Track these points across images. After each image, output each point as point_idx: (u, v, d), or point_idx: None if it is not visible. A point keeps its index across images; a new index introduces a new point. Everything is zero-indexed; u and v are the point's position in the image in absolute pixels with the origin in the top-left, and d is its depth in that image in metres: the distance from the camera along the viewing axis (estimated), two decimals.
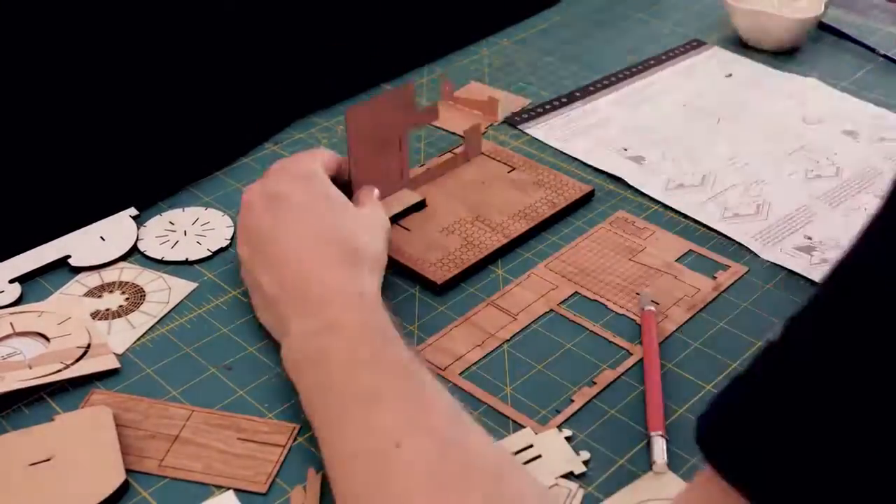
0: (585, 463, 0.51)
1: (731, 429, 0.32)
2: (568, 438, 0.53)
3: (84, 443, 0.52)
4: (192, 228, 0.70)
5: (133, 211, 0.70)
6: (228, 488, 0.51)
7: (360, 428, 0.46)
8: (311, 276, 0.54)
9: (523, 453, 0.52)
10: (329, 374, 0.49)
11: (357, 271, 0.55)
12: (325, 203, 0.59)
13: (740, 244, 0.68)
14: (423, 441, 0.44)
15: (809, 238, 0.68)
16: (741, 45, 0.94)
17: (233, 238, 0.68)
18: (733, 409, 0.32)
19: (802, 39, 0.93)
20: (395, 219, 0.69)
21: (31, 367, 0.57)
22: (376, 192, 0.64)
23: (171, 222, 0.70)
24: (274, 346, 0.59)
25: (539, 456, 0.52)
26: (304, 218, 0.58)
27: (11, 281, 0.64)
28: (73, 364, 0.57)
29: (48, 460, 0.51)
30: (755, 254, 0.67)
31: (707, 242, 0.68)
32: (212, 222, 0.70)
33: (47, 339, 0.60)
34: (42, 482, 0.50)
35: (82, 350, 0.59)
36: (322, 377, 0.50)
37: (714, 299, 0.63)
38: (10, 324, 0.60)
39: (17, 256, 0.65)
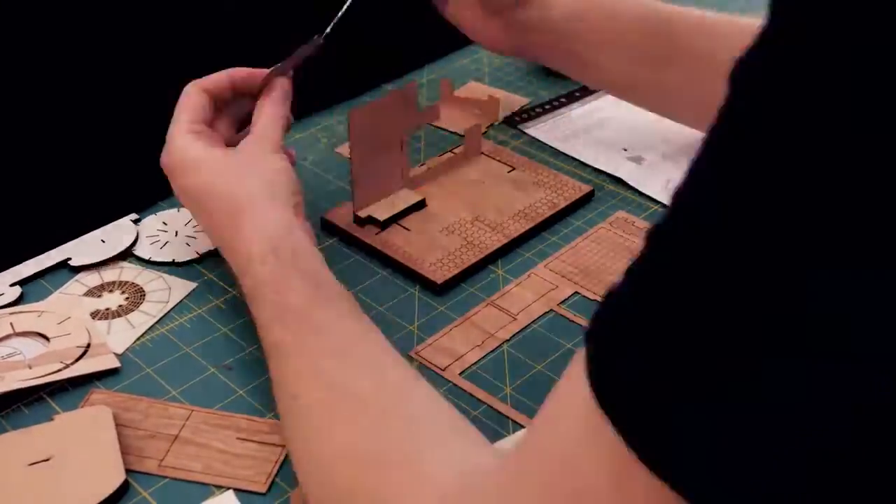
0: None
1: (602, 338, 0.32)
2: None
3: (84, 443, 0.52)
4: (183, 229, 0.70)
5: (134, 215, 0.70)
6: (228, 488, 0.51)
7: (273, 374, 0.50)
8: (215, 241, 0.60)
9: None
10: (254, 319, 0.54)
11: (240, 230, 0.56)
12: (190, 178, 0.60)
13: None
14: (311, 389, 0.47)
15: None
16: (553, 73, 0.90)
17: None
18: (605, 321, 0.32)
19: None
20: (395, 219, 0.69)
21: (30, 367, 0.57)
22: (266, 123, 0.64)
23: (164, 222, 0.70)
24: None
25: None
26: (188, 203, 0.61)
27: (12, 284, 0.64)
28: (72, 364, 0.57)
29: (47, 460, 0.51)
30: None
31: None
32: None
33: (47, 338, 0.60)
34: (41, 482, 0.50)
35: (82, 350, 0.59)
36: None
37: None
38: (10, 324, 0.60)
39: (19, 265, 0.66)
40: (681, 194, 0.30)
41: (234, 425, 0.54)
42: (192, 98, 0.64)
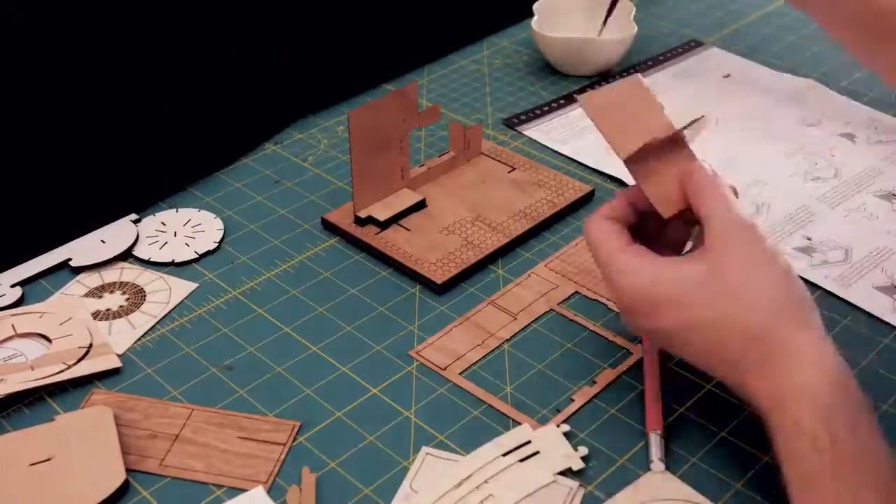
0: (584, 459, 0.51)
1: None
2: (566, 434, 0.53)
3: (84, 443, 0.52)
4: (182, 230, 0.70)
5: (134, 216, 0.70)
6: (231, 487, 0.51)
7: None
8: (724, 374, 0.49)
9: (521, 449, 0.52)
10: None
11: (768, 376, 0.46)
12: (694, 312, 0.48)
13: None
14: None
15: (809, 239, 0.68)
16: (553, 73, 0.90)
17: (222, 240, 0.69)
18: None
19: (616, 62, 0.89)
20: (396, 219, 0.69)
21: (33, 369, 0.57)
22: (716, 202, 0.50)
23: (163, 223, 0.70)
24: (273, 345, 0.60)
25: (537, 452, 0.52)
26: (670, 343, 0.51)
27: (13, 285, 0.64)
28: (74, 364, 0.57)
29: (48, 460, 0.51)
30: None
31: None
32: (203, 224, 0.70)
33: (49, 339, 0.60)
34: (42, 482, 0.50)
35: (84, 350, 0.59)
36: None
37: None
38: (12, 325, 0.61)
39: (20, 266, 0.66)
40: None
41: (234, 424, 0.54)
42: (604, 226, 0.52)
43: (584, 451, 0.52)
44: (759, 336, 0.46)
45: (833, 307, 0.62)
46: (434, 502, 0.49)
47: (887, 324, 0.61)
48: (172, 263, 0.66)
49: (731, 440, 0.53)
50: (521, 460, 0.51)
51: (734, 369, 0.47)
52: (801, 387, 0.44)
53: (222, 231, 0.69)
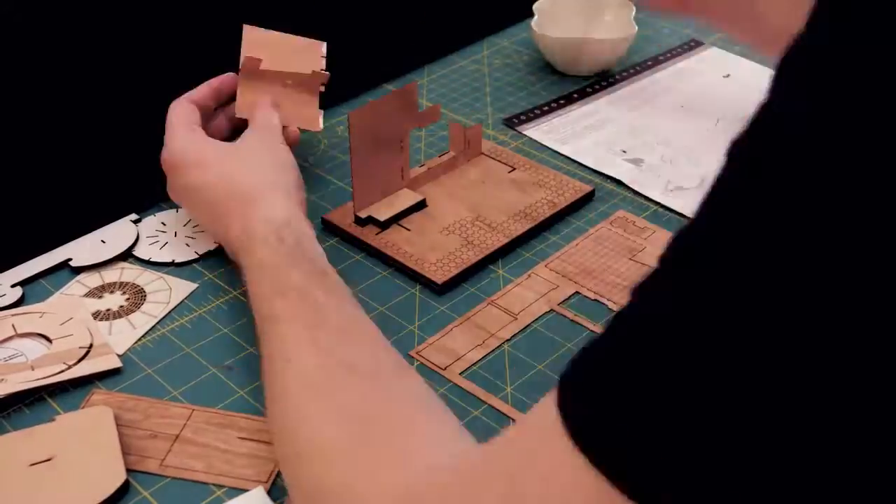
0: None
1: (579, 391, 0.33)
2: None
3: (85, 443, 0.52)
4: (182, 230, 0.70)
5: (134, 216, 0.70)
6: (232, 487, 0.51)
7: (266, 344, 0.51)
8: (216, 230, 0.62)
9: None
10: (250, 296, 0.55)
11: (247, 218, 0.57)
12: (187, 176, 0.63)
13: None
14: (307, 355, 0.48)
15: None
16: (553, 73, 0.90)
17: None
18: (586, 373, 0.33)
19: (616, 62, 0.89)
20: (396, 219, 0.69)
21: (33, 369, 0.57)
22: (265, 113, 0.67)
23: (163, 223, 0.70)
24: None
25: None
26: (191, 196, 0.64)
27: (13, 285, 0.64)
28: (75, 364, 0.57)
29: (49, 460, 0.51)
30: None
31: None
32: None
33: (49, 340, 0.60)
34: (43, 482, 0.50)
35: (84, 350, 0.59)
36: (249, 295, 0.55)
37: None
38: (13, 325, 0.60)
39: (20, 266, 0.66)
40: (665, 259, 0.32)
41: (234, 424, 0.54)
42: (182, 107, 0.67)
43: None
44: (244, 192, 0.59)
45: None
46: None
47: None
48: (173, 264, 0.66)
49: None
50: None
51: (221, 223, 0.59)
52: (263, 217, 0.56)
53: None
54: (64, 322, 0.61)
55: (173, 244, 0.68)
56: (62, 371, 0.57)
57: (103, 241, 0.68)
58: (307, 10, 0.83)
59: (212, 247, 0.68)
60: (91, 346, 0.59)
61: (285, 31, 0.75)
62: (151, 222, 0.70)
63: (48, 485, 0.50)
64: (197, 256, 0.67)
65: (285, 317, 0.51)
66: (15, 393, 0.55)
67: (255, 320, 0.54)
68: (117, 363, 0.58)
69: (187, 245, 0.68)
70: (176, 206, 0.72)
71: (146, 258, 0.67)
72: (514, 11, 0.98)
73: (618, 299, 0.63)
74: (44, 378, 0.56)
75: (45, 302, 0.63)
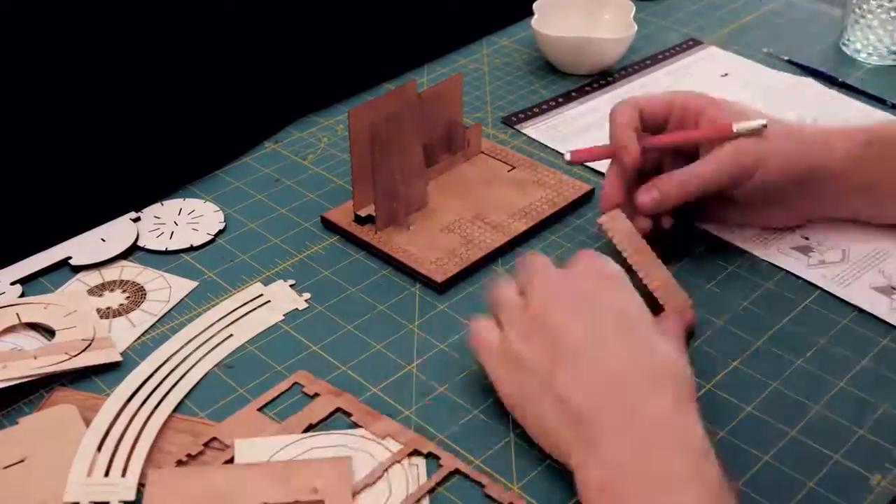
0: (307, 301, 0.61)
1: None
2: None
3: (54, 442, 0.52)
4: (180, 218, 0.70)
5: (134, 214, 0.71)
6: None
7: None
8: (637, 401, 0.48)
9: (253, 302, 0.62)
10: None
11: (691, 411, 0.48)
12: (641, 315, 0.52)
13: (736, 246, 0.68)
14: None
15: (807, 238, 0.68)
16: (553, 72, 0.90)
17: (219, 232, 0.69)
18: None
19: (616, 61, 0.89)
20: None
21: (35, 358, 0.57)
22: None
23: (156, 216, 0.71)
24: (273, 344, 0.60)
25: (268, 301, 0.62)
26: (624, 330, 0.51)
27: (13, 283, 0.64)
28: (76, 356, 0.58)
29: (22, 461, 0.51)
30: (752, 254, 0.67)
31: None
32: (197, 210, 0.71)
33: (51, 332, 0.60)
34: (20, 483, 0.50)
35: (87, 343, 0.59)
36: None
37: (713, 299, 0.63)
38: (17, 314, 0.61)
39: (19, 263, 0.66)
40: None
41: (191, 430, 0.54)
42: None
43: (307, 294, 0.62)
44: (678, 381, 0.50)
45: (831, 307, 0.62)
46: None
47: (886, 323, 0.61)
48: (191, 248, 0.68)
49: (729, 439, 0.53)
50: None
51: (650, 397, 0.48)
52: (692, 435, 0.47)
53: (220, 213, 0.71)
54: (68, 314, 0.61)
55: (179, 232, 0.68)
56: (63, 361, 0.57)
57: (103, 240, 0.68)
58: (307, 9, 0.83)
59: (220, 227, 0.69)
60: (93, 339, 0.59)
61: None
62: (147, 219, 0.71)
63: (25, 485, 0.50)
64: (211, 237, 0.68)
65: None
66: (17, 385, 0.55)
67: None
68: (117, 357, 0.58)
69: (195, 230, 0.69)
70: (161, 199, 0.72)
71: (161, 249, 0.67)
72: (514, 10, 0.98)
73: None
74: (45, 367, 0.56)
75: (50, 294, 0.63)
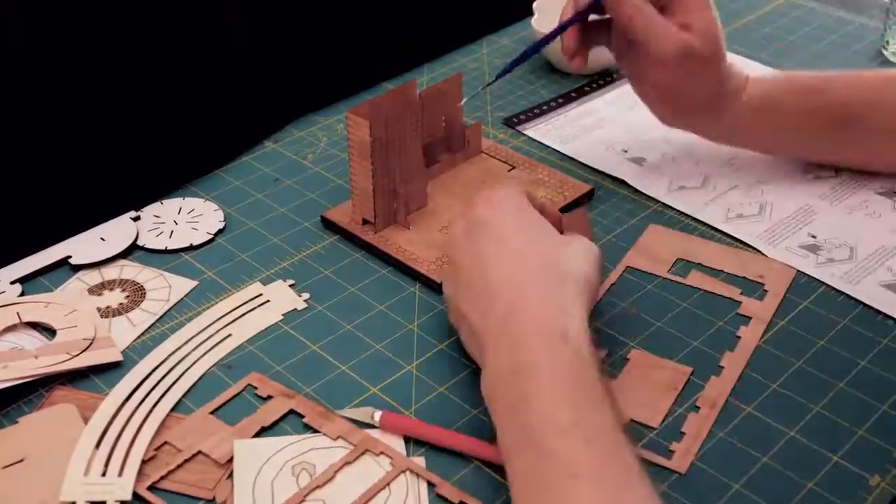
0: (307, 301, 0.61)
1: None
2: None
3: (53, 441, 0.52)
4: (180, 217, 0.70)
5: (133, 213, 0.71)
6: None
7: (553, 502, 0.43)
8: (515, 307, 0.50)
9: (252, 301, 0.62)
10: (527, 429, 0.45)
11: (566, 304, 0.50)
12: (534, 226, 0.55)
13: (746, 243, 0.68)
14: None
15: (814, 236, 0.68)
16: (553, 72, 0.90)
17: (225, 224, 0.70)
18: None
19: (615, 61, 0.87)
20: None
21: (36, 357, 0.57)
22: (586, 216, 0.61)
23: (155, 216, 0.71)
24: (272, 344, 0.60)
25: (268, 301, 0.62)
26: (511, 244, 0.54)
27: (13, 282, 0.64)
28: (77, 355, 0.58)
29: (21, 461, 0.51)
30: (761, 253, 0.67)
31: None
32: (197, 209, 0.71)
33: (52, 332, 0.60)
34: (18, 483, 0.50)
35: (88, 342, 0.59)
36: (518, 429, 0.46)
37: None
38: (17, 313, 0.61)
39: (19, 262, 0.66)
40: None
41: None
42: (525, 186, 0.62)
43: (306, 295, 0.62)
44: (564, 276, 0.53)
45: (840, 305, 0.62)
46: None
47: (886, 324, 0.61)
48: (191, 247, 0.68)
49: (728, 440, 0.53)
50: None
51: (540, 290, 0.52)
52: (575, 313, 0.51)
53: (220, 212, 0.71)
54: (68, 313, 0.61)
55: (179, 231, 0.68)
56: (64, 361, 0.57)
57: (103, 239, 0.68)
58: (307, 9, 0.83)
59: (220, 226, 0.69)
60: (94, 338, 0.59)
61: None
62: (147, 218, 0.70)
63: (25, 485, 0.50)
64: (211, 236, 0.68)
65: (586, 472, 0.43)
66: (19, 385, 0.55)
67: None
68: (118, 356, 0.58)
69: (195, 229, 0.68)
70: (161, 198, 0.72)
71: (160, 248, 0.67)
72: (513, 10, 0.98)
73: (616, 298, 0.63)
74: (46, 367, 0.56)
75: (50, 292, 0.63)
